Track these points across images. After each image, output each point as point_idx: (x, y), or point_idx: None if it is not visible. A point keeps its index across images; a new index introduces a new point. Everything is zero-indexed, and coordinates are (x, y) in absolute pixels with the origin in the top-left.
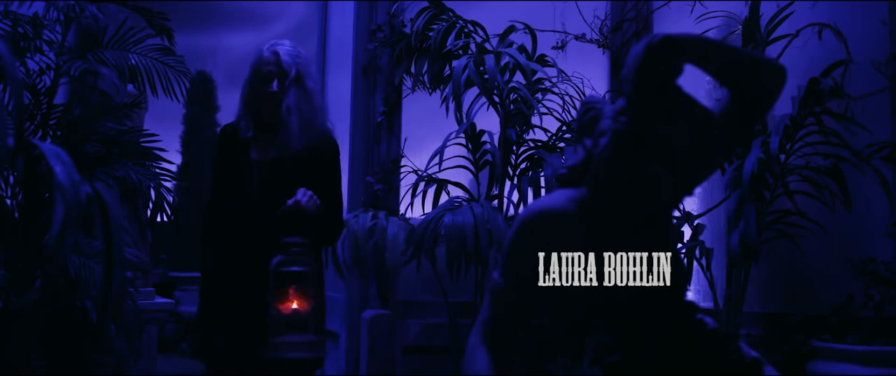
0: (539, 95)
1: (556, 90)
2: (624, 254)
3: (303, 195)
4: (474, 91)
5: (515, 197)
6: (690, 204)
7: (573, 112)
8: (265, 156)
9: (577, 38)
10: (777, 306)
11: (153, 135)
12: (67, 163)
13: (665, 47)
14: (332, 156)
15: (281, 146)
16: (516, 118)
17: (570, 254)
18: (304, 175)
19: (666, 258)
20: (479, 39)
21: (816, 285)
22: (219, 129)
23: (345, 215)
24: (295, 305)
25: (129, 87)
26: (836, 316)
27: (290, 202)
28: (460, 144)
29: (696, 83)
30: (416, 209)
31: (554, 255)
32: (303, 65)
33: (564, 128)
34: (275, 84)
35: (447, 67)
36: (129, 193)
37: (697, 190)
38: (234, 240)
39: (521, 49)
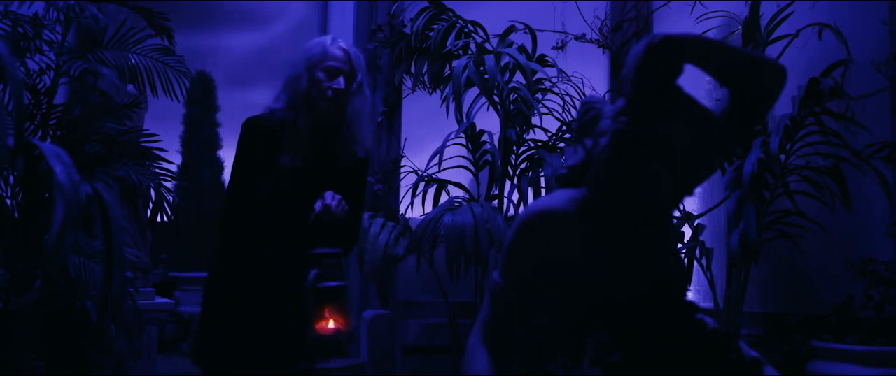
0: (539, 95)
1: (556, 90)
2: (624, 254)
3: (332, 199)
4: (474, 91)
5: (515, 197)
6: (690, 204)
7: (573, 112)
8: (304, 160)
9: (577, 38)
10: (777, 306)
11: (153, 135)
12: (67, 163)
13: (665, 47)
14: (364, 168)
15: (341, 151)
16: (516, 118)
17: (570, 254)
18: (337, 183)
19: (666, 258)
20: (479, 39)
21: (816, 285)
22: (219, 129)
23: None
24: (332, 324)
25: (129, 87)
26: (836, 316)
27: (317, 207)
28: (460, 144)
29: (696, 83)
30: (416, 209)
31: (554, 255)
32: (364, 69)
33: (564, 128)
34: (342, 81)
35: (447, 67)
36: (129, 193)
37: (697, 190)
38: (264, 248)
39: (521, 49)
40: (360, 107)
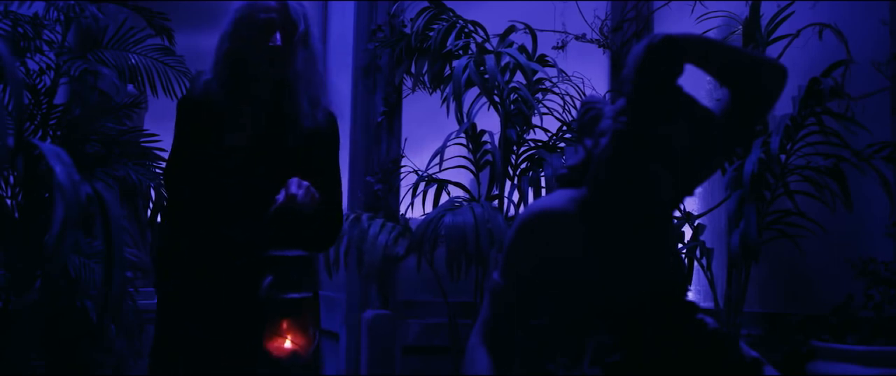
0: (539, 95)
1: (556, 90)
2: (624, 254)
3: (297, 187)
4: (474, 91)
5: (516, 197)
6: (691, 204)
7: (573, 112)
8: (251, 136)
9: (577, 38)
10: (777, 306)
11: (153, 135)
12: (67, 163)
13: (665, 47)
14: (333, 139)
15: (286, 124)
16: (517, 118)
17: (570, 254)
18: (300, 163)
19: (666, 258)
20: (479, 39)
21: (816, 285)
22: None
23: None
24: (288, 344)
25: (129, 87)
26: (836, 316)
27: (280, 198)
28: (461, 144)
29: (696, 83)
30: (417, 209)
31: (554, 255)
32: (310, 19)
33: (565, 128)
34: (278, 37)
35: (447, 67)
36: (129, 193)
37: (698, 190)
38: (206, 251)
39: (522, 49)
40: (303, 67)
